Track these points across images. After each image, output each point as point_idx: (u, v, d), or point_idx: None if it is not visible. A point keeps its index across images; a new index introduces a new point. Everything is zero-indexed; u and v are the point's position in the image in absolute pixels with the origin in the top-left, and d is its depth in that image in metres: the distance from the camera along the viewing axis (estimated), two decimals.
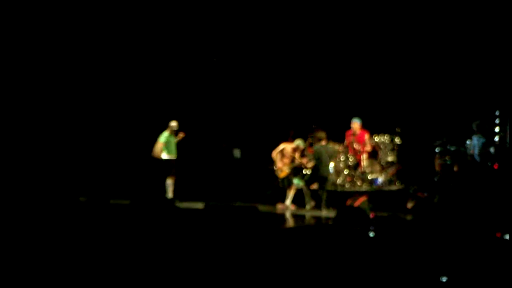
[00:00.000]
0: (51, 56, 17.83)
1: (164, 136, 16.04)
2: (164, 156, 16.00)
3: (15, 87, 17.42)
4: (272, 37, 17.86)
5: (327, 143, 15.12)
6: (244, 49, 18.26)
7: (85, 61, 18.15)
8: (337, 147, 15.46)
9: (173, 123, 16.14)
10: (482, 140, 14.13)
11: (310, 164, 15.23)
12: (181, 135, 16.21)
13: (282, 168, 15.46)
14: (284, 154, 15.49)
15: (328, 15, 17.21)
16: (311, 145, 15.60)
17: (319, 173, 14.93)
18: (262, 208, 14.00)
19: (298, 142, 15.51)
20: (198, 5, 17.63)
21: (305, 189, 15.27)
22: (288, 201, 15.29)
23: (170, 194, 15.87)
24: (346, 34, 17.23)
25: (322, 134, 15.06)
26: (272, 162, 15.74)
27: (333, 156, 15.14)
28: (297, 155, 15.47)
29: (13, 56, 17.31)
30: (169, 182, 15.96)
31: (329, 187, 15.00)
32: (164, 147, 15.98)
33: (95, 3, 17.44)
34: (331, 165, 15.45)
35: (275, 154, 15.57)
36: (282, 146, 15.58)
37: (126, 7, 17.62)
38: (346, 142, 15.48)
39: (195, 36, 18.23)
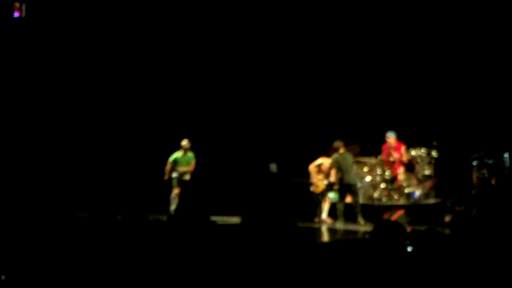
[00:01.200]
0: (71, 67, 18.00)
1: (173, 157, 15.97)
2: (173, 174, 15.96)
3: (27, 96, 17.58)
4: (308, 52, 17.90)
5: (345, 152, 14.91)
6: (280, 64, 18.29)
7: (103, 75, 18.28)
8: (373, 160, 15.42)
9: (183, 142, 15.97)
10: None
11: (333, 177, 14.98)
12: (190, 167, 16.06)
13: (317, 183, 15.34)
14: (321, 169, 15.37)
15: (359, 29, 17.23)
16: None
17: (344, 182, 14.69)
18: (299, 223, 14.00)
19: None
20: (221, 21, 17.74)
21: (339, 205, 15.05)
22: (324, 215, 15.23)
23: (172, 207, 15.77)
24: (384, 48, 17.22)
25: (339, 144, 14.84)
26: (306, 175, 15.67)
27: (352, 164, 14.97)
28: (333, 170, 15.34)
29: (24, 64, 17.48)
30: (173, 195, 15.88)
31: (363, 199, 14.89)
32: (172, 166, 15.94)
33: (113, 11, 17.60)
34: (368, 178, 15.40)
35: (312, 167, 15.46)
36: (320, 160, 15.45)
37: (144, 18, 17.76)
38: (382, 155, 15.43)
39: (220, 47, 18.29)
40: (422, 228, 10.13)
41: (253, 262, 6.95)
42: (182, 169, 15.95)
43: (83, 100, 18.43)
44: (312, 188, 15.44)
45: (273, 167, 18.24)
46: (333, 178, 15.01)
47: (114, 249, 7.10)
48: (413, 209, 14.58)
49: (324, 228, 14.36)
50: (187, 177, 16.03)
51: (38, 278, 6.69)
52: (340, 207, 14.77)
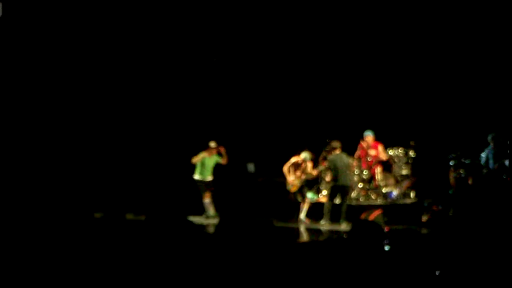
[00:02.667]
0: (84, 71, 17.88)
1: (201, 155, 15.73)
2: (196, 177, 15.78)
3: (36, 98, 17.43)
4: (283, 50, 17.87)
5: (341, 152, 14.89)
6: (260, 64, 18.27)
7: (117, 76, 18.11)
8: (351, 160, 15.44)
9: (211, 144, 15.73)
10: (495, 151, 14.06)
11: (328, 177, 14.99)
12: (223, 159, 15.92)
13: (293, 182, 15.34)
14: (296, 168, 15.37)
15: (341, 28, 17.24)
16: (325, 158, 15.48)
17: (338, 183, 14.57)
18: (276, 223, 14.02)
19: (305, 155, 15.37)
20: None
21: (327, 204, 14.96)
22: (302, 215, 15.21)
23: (211, 212, 15.54)
24: (361, 48, 17.24)
25: (337, 144, 14.81)
26: (283, 175, 15.66)
27: (348, 165, 14.94)
28: (308, 167, 15.34)
29: (35, 66, 17.34)
30: (206, 200, 15.67)
31: (349, 200, 14.85)
32: (198, 166, 15.75)
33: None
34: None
35: (286, 168, 15.45)
36: (293, 160, 15.46)
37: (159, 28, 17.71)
38: (359, 154, 15.44)
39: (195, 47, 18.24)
40: (400, 227, 10.19)
41: (230, 262, 6.92)
42: (208, 172, 15.78)
43: (97, 101, 18.25)
44: (288, 188, 15.44)
45: (250, 167, 18.19)
46: (328, 178, 14.99)
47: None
48: (391, 208, 14.62)
49: (302, 228, 14.33)
50: (209, 178, 15.81)
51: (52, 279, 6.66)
52: (328, 206, 14.68)
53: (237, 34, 18.01)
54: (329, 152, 14.96)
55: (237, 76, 18.61)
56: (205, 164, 15.73)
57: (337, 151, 14.67)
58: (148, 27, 17.74)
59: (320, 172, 15.55)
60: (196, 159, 15.66)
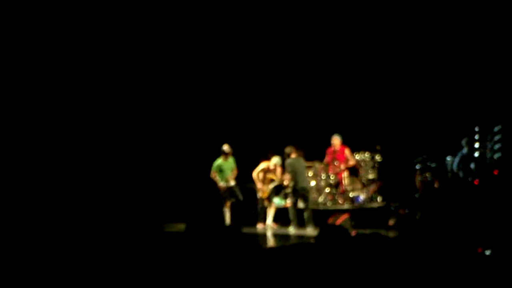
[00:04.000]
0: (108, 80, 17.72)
1: (216, 164, 15.47)
2: (221, 184, 15.44)
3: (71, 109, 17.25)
4: (249, 53, 17.83)
5: (297, 156, 14.90)
6: (221, 68, 18.18)
7: (117, 77, 17.92)
8: (317, 164, 15.46)
9: (224, 147, 15.41)
10: (466, 155, 14.16)
11: (287, 181, 14.96)
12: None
13: (263, 188, 15.35)
14: (265, 174, 15.37)
15: (303, 30, 17.24)
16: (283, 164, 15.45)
17: (298, 187, 14.63)
18: (244, 228, 13.98)
19: (276, 160, 15.38)
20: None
21: (290, 209, 14.98)
22: (269, 220, 15.19)
23: (227, 219, 15.32)
24: (326, 50, 17.26)
25: (290, 149, 14.83)
26: (252, 181, 15.64)
27: (306, 168, 14.99)
28: (278, 172, 15.37)
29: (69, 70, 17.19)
30: (225, 209, 15.43)
31: (311, 205, 14.88)
32: (218, 174, 15.46)
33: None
34: (312, 183, 15.41)
35: (255, 174, 15.45)
36: (262, 165, 15.46)
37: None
38: (326, 159, 15.46)
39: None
40: (367, 231, 10.19)
41: (198, 268, 6.86)
42: (229, 177, 15.41)
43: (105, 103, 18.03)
44: (259, 194, 15.44)
45: None
46: (287, 181, 14.97)
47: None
48: (358, 213, 14.67)
49: (269, 234, 14.30)
50: (232, 183, 15.45)
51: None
52: (293, 211, 14.70)
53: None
54: (285, 158, 14.95)
55: (201, 80, 18.47)
56: (223, 169, 15.46)
57: (293, 155, 14.73)
58: (148, 27, 17.62)
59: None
60: (213, 168, 15.50)
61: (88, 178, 16.83)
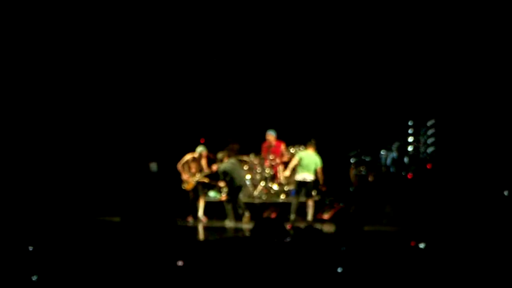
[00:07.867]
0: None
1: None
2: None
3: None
4: (186, 48, 17.73)
5: (229, 158, 14.81)
6: (160, 64, 18.04)
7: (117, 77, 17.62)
8: (253, 157, 15.45)
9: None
10: (396, 157, 14.33)
11: (223, 183, 14.88)
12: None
13: (188, 180, 15.12)
14: (190, 165, 15.17)
15: (249, 29, 17.22)
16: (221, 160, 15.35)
17: (235, 185, 14.47)
18: (180, 222, 13.88)
19: (200, 150, 15.22)
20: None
21: (227, 204, 14.85)
22: (200, 213, 15.03)
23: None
24: (263, 45, 17.25)
25: (222, 155, 14.68)
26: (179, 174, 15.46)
27: (241, 166, 14.99)
28: (203, 163, 15.19)
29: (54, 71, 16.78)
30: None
31: (244, 199, 14.84)
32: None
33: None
34: (248, 176, 15.38)
35: (180, 166, 15.22)
36: (187, 157, 15.24)
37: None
38: (262, 154, 15.46)
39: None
40: (302, 225, 10.22)
41: (133, 260, 6.79)
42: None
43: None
44: (183, 186, 15.20)
45: (153, 166, 17.95)
46: (222, 184, 14.89)
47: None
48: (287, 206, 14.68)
49: (200, 227, 14.18)
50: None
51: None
52: (229, 206, 14.63)
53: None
54: (219, 162, 14.84)
55: (142, 77, 18.28)
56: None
57: (226, 159, 14.65)
58: (148, 27, 17.33)
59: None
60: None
61: (26, 173, 16.62)
